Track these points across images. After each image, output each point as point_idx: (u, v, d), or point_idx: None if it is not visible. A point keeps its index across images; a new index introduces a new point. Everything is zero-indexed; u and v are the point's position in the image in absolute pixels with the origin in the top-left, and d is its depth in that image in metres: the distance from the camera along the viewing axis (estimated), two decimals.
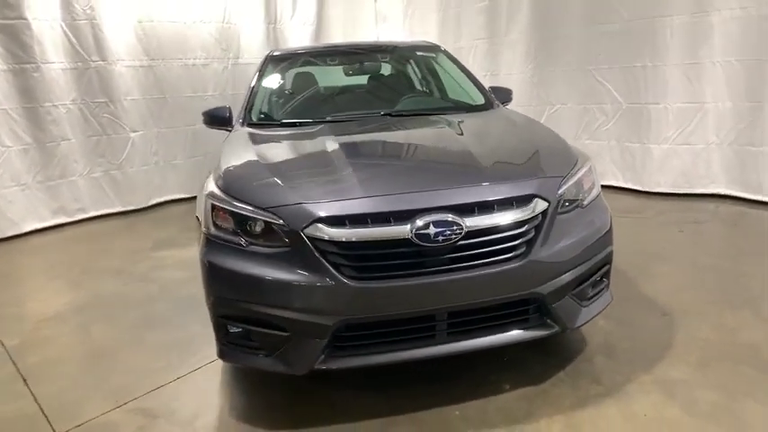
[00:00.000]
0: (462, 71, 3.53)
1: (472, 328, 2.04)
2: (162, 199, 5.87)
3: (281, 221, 1.94)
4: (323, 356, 1.96)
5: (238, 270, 1.98)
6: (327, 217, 1.91)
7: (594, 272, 2.20)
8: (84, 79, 5.21)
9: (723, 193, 4.49)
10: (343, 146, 2.43)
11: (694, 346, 2.43)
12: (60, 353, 2.81)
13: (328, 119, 2.99)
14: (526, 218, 1.98)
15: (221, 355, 2.13)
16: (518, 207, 1.99)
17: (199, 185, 2.53)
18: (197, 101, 6.03)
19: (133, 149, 5.58)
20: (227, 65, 6.21)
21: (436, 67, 3.66)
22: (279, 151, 2.57)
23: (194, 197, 5.94)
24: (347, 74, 3.67)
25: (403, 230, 1.88)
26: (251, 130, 2.93)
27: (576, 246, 2.08)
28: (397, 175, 2.20)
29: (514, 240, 1.97)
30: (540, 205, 2.01)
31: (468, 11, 5.84)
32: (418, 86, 3.62)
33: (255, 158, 2.39)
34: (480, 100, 3.26)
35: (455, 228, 1.88)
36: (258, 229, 2.01)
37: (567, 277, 2.05)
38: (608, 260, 2.26)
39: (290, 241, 1.94)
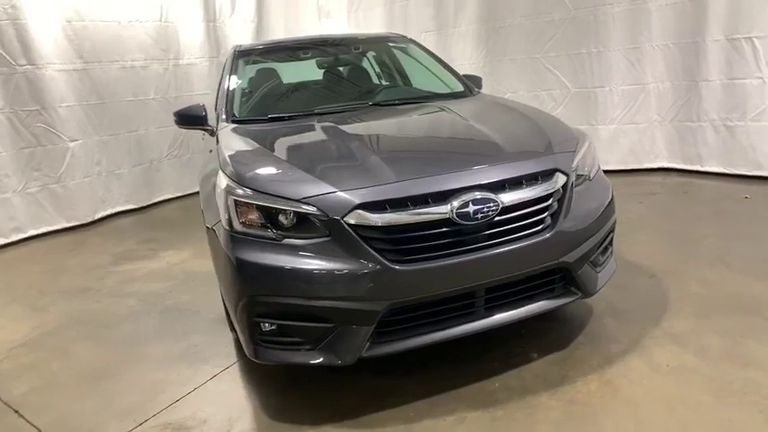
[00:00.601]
0: (436, 60, 3.60)
1: (507, 302, 2.10)
2: (109, 212, 5.47)
3: (319, 211, 1.90)
4: (368, 344, 1.94)
5: (275, 264, 1.91)
6: (367, 203, 1.89)
7: (604, 239, 2.34)
8: (10, 85, 4.74)
9: (667, 166, 4.90)
10: (355, 135, 2.41)
11: (688, 300, 2.64)
12: (49, 379, 2.56)
13: (316, 111, 2.95)
14: (552, 191, 2.07)
15: (255, 355, 2.03)
16: (543, 181, 2.07)
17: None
18: (138, 105, 5.69)
19: (73, 160, 5.16)
20: (167, 66, 5.90)
21: (409, 56, 3.70)
22: (288, 144, 2.50)
23: (144, 207, 5.71)
24: (321, 66, 3.62)
25: (443, 211, 1.90)
26: (243, 126, 2.81)
27: (591, 215, 2.20)
28: (425, 158, 2.22)
29: (542, 213, 2.06)
30: (560, 179, 2.11)
31: (415, 4, 5.94)
32: (396, 76, 3.64)
33: (268, 152, 2.31)
34: (459, 87, 3.34)
35: (491, 205, 1.93)
36: (291, 221, 1.95)
37: (586, 246, 2.17)
38: (613, 228, 2.41)
39: (329, 230, 1.90)
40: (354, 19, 6.48)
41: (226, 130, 2.76)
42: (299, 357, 2.00)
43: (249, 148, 2.43)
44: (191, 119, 3.14)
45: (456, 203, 1.90)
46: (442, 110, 2.77)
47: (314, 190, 1.95)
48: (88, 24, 5.22)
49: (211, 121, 3.15)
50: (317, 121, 2.73)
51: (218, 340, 2.75)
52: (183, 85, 6.08)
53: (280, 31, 6.92)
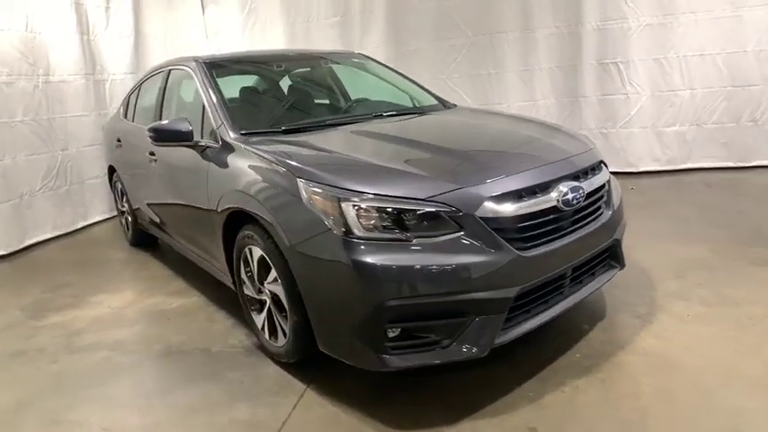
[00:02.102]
0: (402, 76, 3.79)
1: (582, 279, 2.38)
2: None
3: (452, 208, 1.94)
4: (500, 331, 2.03)
5: (412, 264, 1.88)
6: (493, 196, 1.99)
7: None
8: None
9: None
10: (413, 140, 2.48)
11: (658, 267, 3.23)
12: None
13: (328, 122, 2.92)
14: (606, 179, 2.43)
15: (384, 364, 1.95)
16: (599, 170, 2.42)
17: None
18: (2, 129, 4.70)
19: None
20: (37, 83, 4.99)
21: (375, 73, 3.81)
22: (357, 148, 2.45)
23: (15, 252, 4.68)
24: (294, 81, 3.52)
25: (551, 199, 2.11)
26: (266, 137, 2.63)
27: (618, 197, 2.61)
28: (505, 154, 2.38)
29: (604, 197, 2.40)
30: (605, 169, 2.48)
31: (318, 25, 6.02)
32: (374, 91, 3.71)
33: (349, 156, 2.25)
34: (434, 100, 3.57)
35: (581, 191, 2.20)
36: (417, 220, 1.95)
37: (623, 223, 2.57)
38: None
39: (462, 225, 1.95)
40: (249, 38, 6.27)
41: (252, 143, 2.55)
42: (435, 357, 1.98)
43: (321, 155, 2.32)
44: (175, 135, 2.80)
45: (563, 190, 2.12)
46: (458, 117, 2.97)
47: (438, 188, 1.99)
48: None
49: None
50: (348, 131, 2.71)
51: (263, 370, 2.50)
52: (56, 106, 5.19)
53: (159, 49, 6.35)
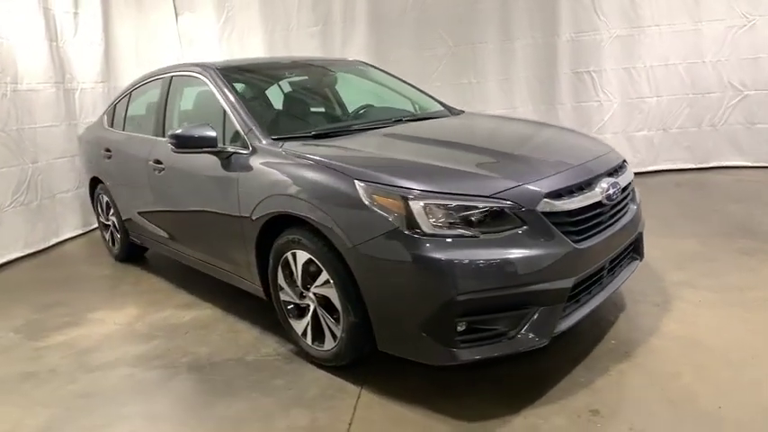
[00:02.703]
0: (405, 83, 3.87)
1: (615, 270, 2.52)
2: None
3: (515, 204, 2.02)
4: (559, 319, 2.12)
5: (483, 259, 1.95)
6: (550, 192, 2.10)
7: None
8: None
9: None
10: (453, 143, 2.57)
11: (661, 259, 3.45)
12: None
13: (354, 127, 2.95)
14: (632, 176, 2.60)
15: (454, 358, 2.00)
16: (626, 168, 2.59)
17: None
18: None
19: None
20: (5, 91, 4.69)
21: (379, 80, 3.87)
22: (404, 151, 2.49)
23: None
24: (308, 87, 3.52)
25: (596, 194, 2.24)
26: (302, 141, 2.63)
27: (638, 193, 2.79)
28: (545, 153, 2.49)
29: (630, 193, 2.57)
30: (628, 166, 2.66)
31: (298, 34, 6.01)
32: (383, 97, 3.75)
33: (405, 159, 2.29)
34: (439, 106, 3.68)
35: (618, 187, 2.35)
36: (482, 216, 2.02)
37: (643, 218, 2.75)
38: None
39: (524, 220, 2.03)
40: (227, 47, 6.16)
41: (290, 147, 2.55)
42: (503, 348, 2.04)
43: (370, 157, 2.35)
44: (200, 141, 2.74)
45: (605, 186, 2.26)
46: (479, 120, 3.08)
47: (501, 185, 2.07)
48: None
49: None
50: (379, 135, 2.76)
51: (309, 376, 2.47)
52: (25, 116, 4.90)
53: (131, 57, 6.13)
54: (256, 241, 2.63)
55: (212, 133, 2.74)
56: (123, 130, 4.12)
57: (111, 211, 4.28)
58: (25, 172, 4.88)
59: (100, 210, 4.53)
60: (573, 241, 2.11)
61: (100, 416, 2.36)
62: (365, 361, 2.43)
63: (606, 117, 5.65)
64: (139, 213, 3.80)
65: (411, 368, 2.37)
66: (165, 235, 3.56)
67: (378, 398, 2.27)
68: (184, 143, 2.77)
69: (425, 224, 1.98)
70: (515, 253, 1.99)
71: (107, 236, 4.54)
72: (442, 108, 3.64)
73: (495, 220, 2.03)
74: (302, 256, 2.41)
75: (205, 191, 2.96)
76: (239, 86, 3.14)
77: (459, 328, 2.01)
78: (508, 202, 2.02)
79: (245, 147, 2.72)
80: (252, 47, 6.11)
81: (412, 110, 3.58)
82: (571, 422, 2.01)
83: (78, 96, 5.56)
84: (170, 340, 3.00)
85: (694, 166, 5.67)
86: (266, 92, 3.29)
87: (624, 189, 2.47)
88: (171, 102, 3.55)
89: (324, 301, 2.39)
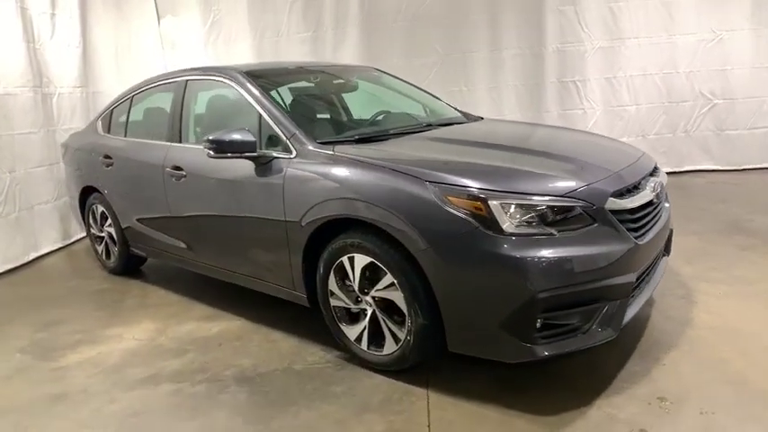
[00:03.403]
0: (419, 89, 3.93)
1: (656, 266, 2.66)
2: None
3: (587, 202, 2.10)
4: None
5: (563, 257, 2.01)
6: (615, 191, 2.20)
7: None
8: None
9: None
10: (503, 146, 2.66)
11: (676, 256, 3.63)
12: None
13: (391, 132, 2.97)
14: (666, 176, 2.76)
15: (534, 353, 2.03)
16: (659, 168, 2.74)
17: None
18: None
19: None
20: None
21: (394, 86, 3.90)
22: (463, 153, 2.52)
23: None
24: (334, 92, 3.50)
25: (648, 193, 2.36)
26: (352, 145, 2.63)
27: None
28: (593, 155, 2.59)
29: (665, 192, 2.72)
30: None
31: (289, 40, 5.95)
32: (403, 103, 3.77)
33: (469, 161, 2.33)
34: (456, 113, 3.75)
35: (662, 186, 2.49)
36: (560, 215, 2.08)
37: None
38: None
39: (594, 218, 2.11)
40: (213, 52, 6.02)
41: (344, 150, 2.54)
42: (578, 342, 2.11)
43: (432, 159, 2.38)
44: (241, 146, 2.68)
45: (650, 188, 2.38)
46: (511, 126, 3.17)
47: (571, 185, 2.14)
48: None
49: None
50: (423, 138, 2.80)
51: (368, 381, 2.45)
52: (2, 122, 4.59)
53: (110, 61, 5.88)
54: (305, 247, 2.59)
55: (253, 138, 2.69)
56: (126, 136, 3.94)
57: (108, 221, 4.08)
58: (3, 182, 4.56)
59: (93, 221, 4.29)
60: (634, 237, 2.21)
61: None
62: (421, 365, 2.43)
63: (590, 124, 5.93)
64: (146, 223, 3.64)
65: (472, 368, 2.41)
66: (183, 245, 3.42)
67: (448, 399, 2.28)
68: (224, 148, 2.69)
69: (505, 224, 2.02)
70: (590, 250, 2.07)
71: (100, 248, 4.31)
72: (459, 114, 3.70)
73: (569, 219, 2.10)
74: (362, 260, 2.39)
75: (240, 197, 2.88)
76: (279, 93, 3.10)
77: (538, 325, 2.06)
78: (581, 201, 2.10)
79: (288, 151, 2.68)
80: (240, 52, 6.00)
81: (432, 116, 3.63)
82: (644, 410, 2.10)
83: (56, 101, 5.26)
84: (204, 353, 2.88)
85: (670, 170, 6.01)
86: (297, 97, 3.25)
87: (662, 188, 2.62)
88: (187, 107, 3.43)
89: (384, 305, 2.38)
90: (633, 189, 2.31)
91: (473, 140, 2.80)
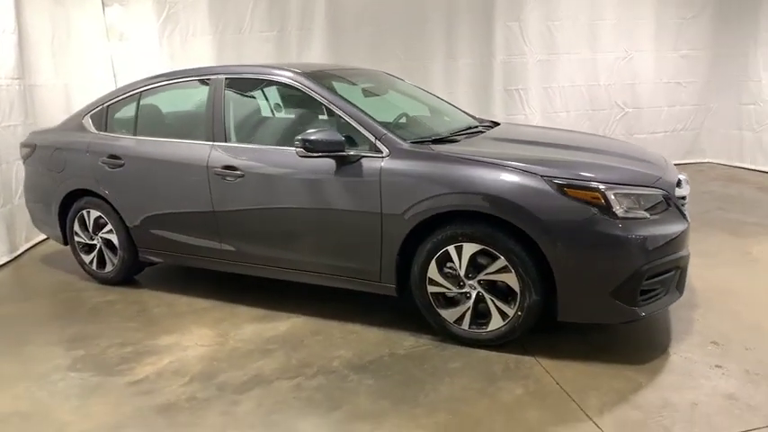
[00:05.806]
0: (433, 95, 4.26)
1: None
2: None
3: (665, 190, 2.63)
4: None
5: (663, 234, 2.53)
6: (672, 183, 2.76)
7: None
8: None
9: None
10: (562, 145, 3.11)
11: None
12: None
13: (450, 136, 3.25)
14: None
15: (637, 314, 2.51)
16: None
17: None
18: None
19: None
20: None
21: (409, 92, 4.15)
22: (546, 151, 2.91)
23: None
24: (365, 95, 3.65)
25: (685, 187, 2.95)
26: (442, 145, 2.90)
27: None
28: (641, 155, 3.13)
29: None
30: None
31: (251, 37, 5.82)
32: (420, 104, 3.99)
33: (556, 159, 2.74)
34: (471, 119, 4.13)
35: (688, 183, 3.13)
36: (650, 201, 2.58)
37: None
38: None
39: (668, 203, 2.65)
40: (168, 45, 5.65)
41: (444, 149, 2.80)
42: (664, 303, 2.64)
43: (537, 157, 2.73)
44: (334, 146, 2.81)
45: (684, 181, 3.00)
46: (542, 129, 3.65)
47: (654, 176, 2.67)
48: None
49: None
50: (488, 138, 3.17)
51: (477, 356, 2.72)
52: None
53: (46, 50, 5.23)
54: (404, 239, 2.79)
55: (342, 138, 2.82)
56: (135, 134, 3.68)
57: (107, 227, 3.76)
58: None
59: (81, 228, 3.90)
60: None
61: (317, 424, 2.29)
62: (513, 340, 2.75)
63: None
64: (170, 227, 3.48)
65: (556, 335, 2.81)
66: (227, 246, 3.34)
67: (557, 362, 2.65)
68: (317, 148, 2.78)
69: (618, 210, 2.46)
70: (670, 229, 2.60)
71: (89, 258, 3.93)
72: (473, 119, 4.07)
73: (656, 204, 2.61)
74: (471, 248, 2.66)
75: (321, 194, 2.96)
76: (343, 93, 3.20)
77: (640, 292, 2.53)
78: (663, 190, 2.63)
79: (377, 150, 2.84)
80: (198, 48, 5.74)
81: (451, 118, 3.96)
82: (707, 352, 2.68)
83: None
84: (292, 351, 2.90)
85: None
86: (361, 99, 3.38)
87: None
88: (228, 106, 3.36)
89: (491, 286, 2.69)
90: (678, 183, 2.91)
91: (530, 140, 3.21)
